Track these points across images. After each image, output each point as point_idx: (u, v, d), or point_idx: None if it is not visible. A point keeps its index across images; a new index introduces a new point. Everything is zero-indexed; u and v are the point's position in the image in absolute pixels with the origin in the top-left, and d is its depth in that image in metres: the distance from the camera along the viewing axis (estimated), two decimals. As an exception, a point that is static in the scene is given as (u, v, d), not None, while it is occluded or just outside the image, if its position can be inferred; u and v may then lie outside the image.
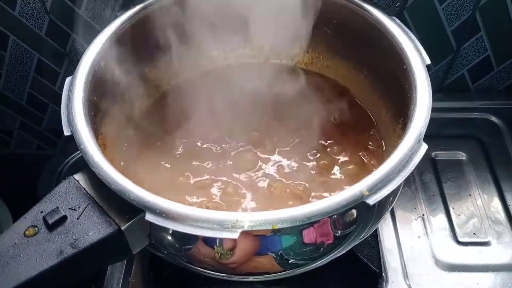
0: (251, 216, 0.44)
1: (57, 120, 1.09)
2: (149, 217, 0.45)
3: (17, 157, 1.19)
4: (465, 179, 0.86)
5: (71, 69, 0.97)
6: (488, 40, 0.86)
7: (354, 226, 0.53)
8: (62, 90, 1.00)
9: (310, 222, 0.44)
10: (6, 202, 1.02)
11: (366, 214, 0.51)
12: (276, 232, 0.47)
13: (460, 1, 0.81)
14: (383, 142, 0.72)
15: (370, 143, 0.72)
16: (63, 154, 1.09)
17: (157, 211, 0.45)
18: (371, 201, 0.45)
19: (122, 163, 0.71)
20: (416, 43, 0.60)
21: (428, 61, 0.58)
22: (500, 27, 0.84)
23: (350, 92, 0.77)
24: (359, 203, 0.45)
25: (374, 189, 0.46)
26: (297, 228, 0.47)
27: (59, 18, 0.88)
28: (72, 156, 1.08)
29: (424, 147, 0.50)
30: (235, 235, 0.43)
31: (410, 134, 0.50)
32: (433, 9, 0.82)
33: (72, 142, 0.53)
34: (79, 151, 0.51)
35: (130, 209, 0.47)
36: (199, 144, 0.73)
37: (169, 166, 0.70)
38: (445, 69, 0.93)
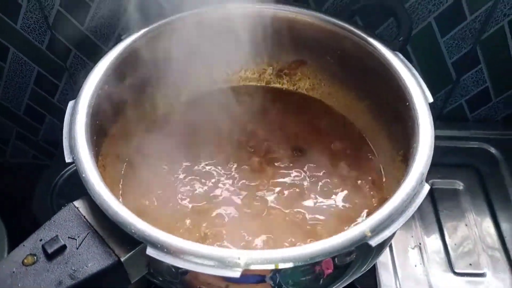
0: (253, 255, 0.44)
1: (54, 131, 1.09)
2: (150, 251, 0.45)
3: (12, 167, 1.18)
4: (461, 208, 0.87)
5: (71, 83, 0.97)
6: (488, 72, 0.88)
7: (354, 262, 0.53)
8: (60, 103, 1.01)
9: (313, 263, 0.44)
10: (-1, 212, 1.01)
11: (367, 252, 0.51)
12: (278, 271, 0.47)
13: (462, 34, 0.82)
14: (382, 172, 0.72)
15: (369, 172, 0.72)
16: (59, 165, 1.08)
17: (158, 246, 0.45)
18: (374, 242, 0.45)
19: (120, 185, 0.71)
20: (419, 80, 0.61)
21: (431, 99, 0.59)
22: (500, 60, 0.85)
23: (350, 121, 0.77)
24: (362, 244, 0.45)
25: (376, 230, 0.46)
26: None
27: (61, 34, 0.88)
28: (69, 167, 1.07)
29: (427, 188, 0.50)
30: (236, 274, 0.43)
31: (412, 174, 0.51)
32: (434, 41, 0.83)
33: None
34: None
35: (130, 240, 0.47)
36: (199, 167, 0.73)
37: (167, 188, 0.70)
38: (444, 98, 0.94)
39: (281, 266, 0.43)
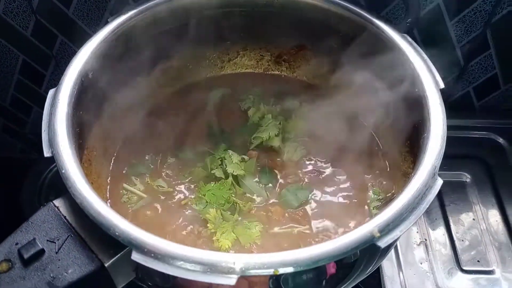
0: (250, 259, 0.40)
1: (41, 124, 1.04)
2: (135, 256, 0.40)
3: (0, 160, 1.14)
4: (469, 202, 0.83)
5: (58, 72, 0.92)
6: (497, 57, 0.83)
7: (359, 263, 0.49)
8: (47, 93, 0.96)
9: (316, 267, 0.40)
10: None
11: (374, 254, 0.46)
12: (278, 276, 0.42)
13: (472, 17, 0.77)
14: (387, 165, 0.68)
15: (374, 163, 0.68)
16: (48, 159, 1.04)
17: (145, 250, 0.40)
18: (383, 243, 0.41)
19: (108, 180, 0.67)
20: (429, 64, 0.56)
21: (442, 85, 0.54)
22: (511, 45, 0.81)
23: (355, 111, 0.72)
24: (369, 245, 0.41)
25: (385, 230, 0.42)
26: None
27: (46, 19, 0.82)
28: (58, 162, 1.03)
29: (439, 182, 0.46)
30: (232, 281, 0.38)
31: (423, 167, 0.46)
32: (442, 24, 0.78)
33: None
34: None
35: (114, 243, 0.43)
36: (190, 157, 0.69)
37: (158, 182, 0.65)
38: (451, 85, 0.89)
39: (282, 271, 0.39)
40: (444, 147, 0.49)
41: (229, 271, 0.39)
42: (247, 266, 0.39)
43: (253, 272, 0.39)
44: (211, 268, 0.39)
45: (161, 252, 0.40)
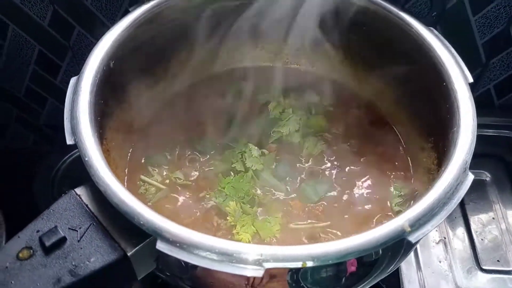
0: (277, 251, 0.39)
1: (56, 115, 1.03)
2: (160, 246, 0.40)
3: (12, 152, 1.13)
4: (488, 201, 0.81)
5: (74, 63, 0.91)
6: (521, 55, 0.81)
7: (381, 260, 0.47)
8: (63, 85, 0.96)
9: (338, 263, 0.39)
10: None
11: (398, 250, 0.45)
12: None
13: (495, 12, 0.75)
14: (409, 161, 0.66)
15: (396, 159, 0.67)
16: (61, 151, 1.03)
17: (170, 240, 0.39)
18: (414, 238, 0.40)
19: (126, 170, 0.66)
20: (457, 58, 0.55)
21: (471, 79, 0.53)
22: (535, 42, 0.79)
23: (376, 105, 0.71)
24: (400, 240, 0.40)
25: (416, 224, 0.41)
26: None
27: (64, 9, 0.82)
28: (71, 153, 1.02)
29: (471, 177, 0.45)
30: (259, 273, 0.37)
31: (454, 161, 0.45)
32: (465, 19, 0.76)
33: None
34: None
35: (138, 232, 0.42)
36: (208, 149, 0.68)
37: (176, 174, 0.64)
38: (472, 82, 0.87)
39: (309, 264, 0.38)
40: (475, 141, 0.47)
41: (255, 262, 0.38)
42: (274, 258, 0.38)
43: (280, 265, 0.38)
44: (237, 259, 0.38)
45: (187, 242, 0.39)
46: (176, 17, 0.65)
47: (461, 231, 0.78)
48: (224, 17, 0.69)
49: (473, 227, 0.78)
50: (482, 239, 0.77)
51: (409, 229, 0.40)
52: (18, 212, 0.91)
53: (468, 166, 0.45)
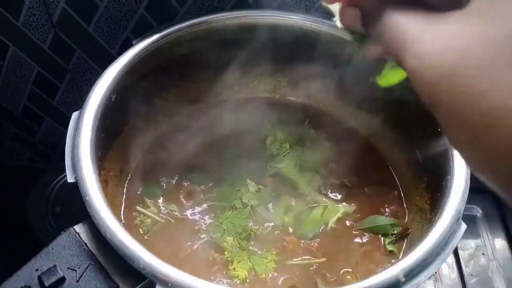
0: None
1: (52, 134, 1.03)
2: (159, 291, 0.40)
3: (6, 169, 1.13)
4: (479, 236, 0.83)
5: (73, 85, 0.92)
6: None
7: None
8: (60, 105, 0.96)
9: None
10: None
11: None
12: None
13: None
14: (403, 197, 0.68)
15: (389, 197, 0.68)
16: (56, 169, 1.03)
17: (169, 285, 0.40)
18: (408, 289, 0.41)
19: (123, 199, 0.67)
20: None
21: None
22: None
23: (372, 143, 0.72)
24: (394, 291, 0.41)
25: (411, 274, 0.42)
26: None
27: (65, 33, 0.82)
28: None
29: (463, 227, 0.46)
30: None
31: (447, 211, 0.46)
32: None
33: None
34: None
35: (137, 274, 0.42)
36: (204, 181, 0.68)
37: (172, 207, 0.65)
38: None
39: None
40: (468, 191, 0.48)
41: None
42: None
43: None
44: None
45: (186, 288, 0.40)
46: (177, 50, 0.66)
47: (451, 266, 0.79)
48: (225, 50, 0.71)
49: (463, 262, 0.79)
50: (471, 275, 0.78)
51: (403, 279, 0.41)
52: (11, 230, 0.91)
53: (461, 216, 0.47)
